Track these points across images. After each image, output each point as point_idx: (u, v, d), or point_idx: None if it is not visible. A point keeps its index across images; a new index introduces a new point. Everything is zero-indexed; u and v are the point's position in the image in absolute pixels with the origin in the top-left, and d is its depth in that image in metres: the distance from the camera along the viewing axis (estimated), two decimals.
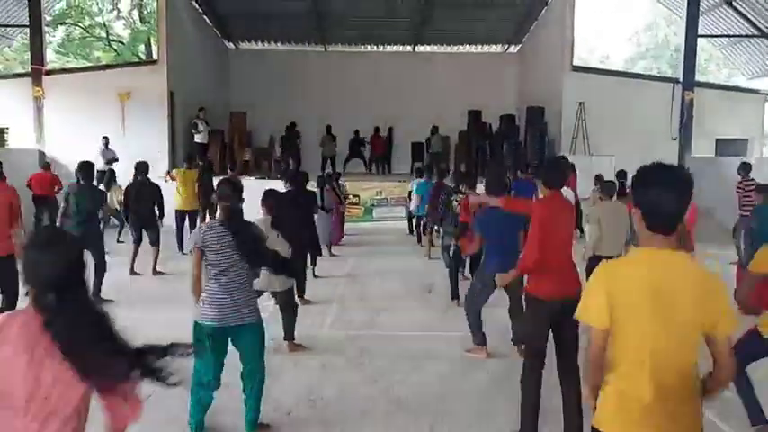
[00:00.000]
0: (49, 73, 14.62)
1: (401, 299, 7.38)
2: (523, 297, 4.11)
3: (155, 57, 19.30)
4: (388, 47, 21.04)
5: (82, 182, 7.09)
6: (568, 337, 3.63)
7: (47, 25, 26.77)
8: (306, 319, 6.29)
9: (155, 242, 8.70)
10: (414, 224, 12.08)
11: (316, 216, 9.02)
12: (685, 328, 1.89)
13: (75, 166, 7.27)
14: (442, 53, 21.01)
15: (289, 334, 5.51)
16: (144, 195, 8.55)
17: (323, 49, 20.82)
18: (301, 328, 5.65)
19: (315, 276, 8.35)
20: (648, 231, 1.95)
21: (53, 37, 27.80)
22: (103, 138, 13.23)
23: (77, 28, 27.62)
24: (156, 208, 8.67)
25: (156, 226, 8.72)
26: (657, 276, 1.89)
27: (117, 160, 13.03)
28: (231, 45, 20.61)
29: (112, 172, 11.44)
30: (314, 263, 8.39)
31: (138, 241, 8.65)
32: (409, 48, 20.86)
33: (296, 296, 5.83)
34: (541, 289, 3.62)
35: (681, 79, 15.23)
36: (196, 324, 3.60)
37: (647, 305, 1.88)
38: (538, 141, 14.75)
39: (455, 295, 7.00)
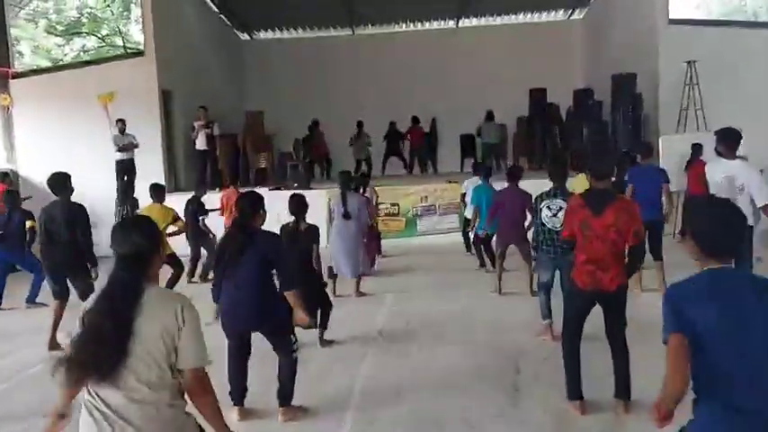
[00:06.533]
0: (16, 76, 12.06)
1: (470, 394, 4.14)
2: None
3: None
4: (427, 23, 17.87)
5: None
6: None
7: (57, 35, 25.44)
8: None
9: (84, 297, 5.71)
10: (471, 241, 8.88)
11: (335, 232, 6.97)
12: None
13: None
14: (491, 26, 17.71)
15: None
16: (61, 226, 5.47)
17: (350, 33, 17.85)
18: None
19: (323, 344, 5.26)
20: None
21: (71, 49, 26.23)
22: (118, 121, 10.71)
23: (93, 38, 25.99)
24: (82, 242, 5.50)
25: (86, 272, 5.53)
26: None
27: (137, 146, 10.79)
28: (245, 35, 17.87)
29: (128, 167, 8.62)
30: (324, 323, 5.28)
31: (60, 295, 5.63)
32: (452, 23, 17.63)
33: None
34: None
35: None
36: None
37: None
38: (631, 119, 11.20)
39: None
